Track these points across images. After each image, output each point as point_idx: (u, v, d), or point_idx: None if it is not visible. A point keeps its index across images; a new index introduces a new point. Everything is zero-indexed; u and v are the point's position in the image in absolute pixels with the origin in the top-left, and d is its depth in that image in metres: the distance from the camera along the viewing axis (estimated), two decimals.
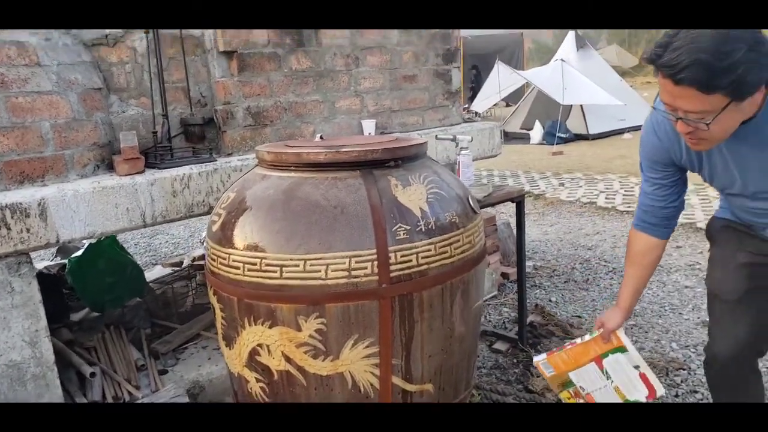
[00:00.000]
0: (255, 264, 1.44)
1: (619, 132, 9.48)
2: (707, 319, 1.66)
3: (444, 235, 1.49)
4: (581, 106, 9.32)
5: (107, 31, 2.10)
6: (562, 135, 9.15)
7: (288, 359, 1.46)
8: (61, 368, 2.19)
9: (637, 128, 8.82)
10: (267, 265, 1.42)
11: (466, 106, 11.67)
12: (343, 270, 1.39)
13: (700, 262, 3.58)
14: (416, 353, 1.49)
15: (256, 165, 1.67)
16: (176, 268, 3.32)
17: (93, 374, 2.02)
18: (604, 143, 9.02)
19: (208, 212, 2.02)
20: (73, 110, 1.94)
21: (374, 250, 1.39)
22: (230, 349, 1.59)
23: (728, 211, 1.53)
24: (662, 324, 2.78)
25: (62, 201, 1.79)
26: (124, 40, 2.12)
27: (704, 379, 1.85)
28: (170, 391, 2.02)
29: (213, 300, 1.61)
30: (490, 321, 2.94)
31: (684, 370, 2.35)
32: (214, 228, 1.57)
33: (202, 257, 2.53)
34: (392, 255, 1.41)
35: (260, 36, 2.28)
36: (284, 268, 1.41)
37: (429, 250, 1.45)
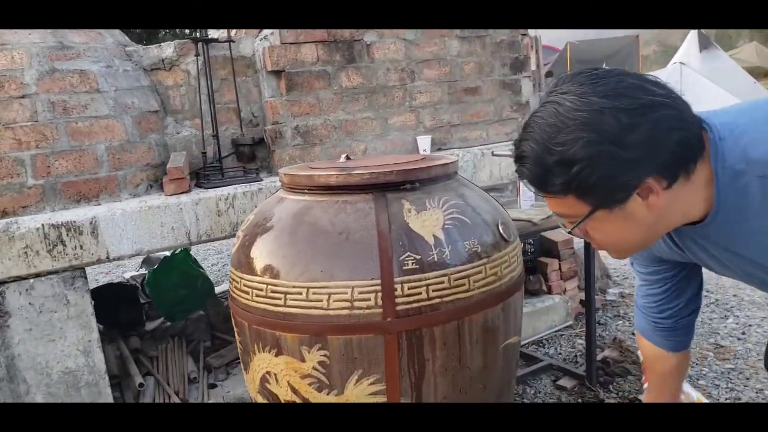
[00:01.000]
0: (262, 290, 1.40)
1: None
2: None
3: (461, 266, 1.36)
4: None
5: (164, 55, 2.19)
6: None
7: (294, 390, 1.40)
8: (123, 376, 2.32)
9: None
10: (272, 291, 1.38)
11: None
12: (345, 300, 1.31)
13: None
14: (428, 394, 1.37)
15: (280, 188, 1.65)
16: None
17: (141, 385, 2.10)
18: None
19: None
20: (127, 132, 2.04)
21: (378, 281, 1.30)
22: (246, 373, 1.57)
23: None
24: None
25: (111, 220, 1.89)
26: (179, 64, 2.21)
27: None
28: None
29: (233, 323, 1.60)
30: (560, 354, 2.71)
31: None
32: (233, 250, 1.56)
33: None
34: (398, 286, 1.31)
35: (309, 54, 2.27)
36: (288, 296, 1.36)
37: (441, 283, 1.34)
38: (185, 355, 2.49)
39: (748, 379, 2.35)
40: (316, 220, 1.40)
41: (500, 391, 1.53)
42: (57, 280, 1.84)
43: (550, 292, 2.95)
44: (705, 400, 1.41)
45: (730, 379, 2.34)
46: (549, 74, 14.30)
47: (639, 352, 1.34)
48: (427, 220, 1.38)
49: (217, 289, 3.33)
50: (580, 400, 2.26)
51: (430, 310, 1.33)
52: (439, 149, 2.62)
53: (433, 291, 1.33)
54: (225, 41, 2.19)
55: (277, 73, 2.25)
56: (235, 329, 1.57)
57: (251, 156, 2.30)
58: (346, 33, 2.35)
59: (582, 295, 3.18)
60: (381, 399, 1.35)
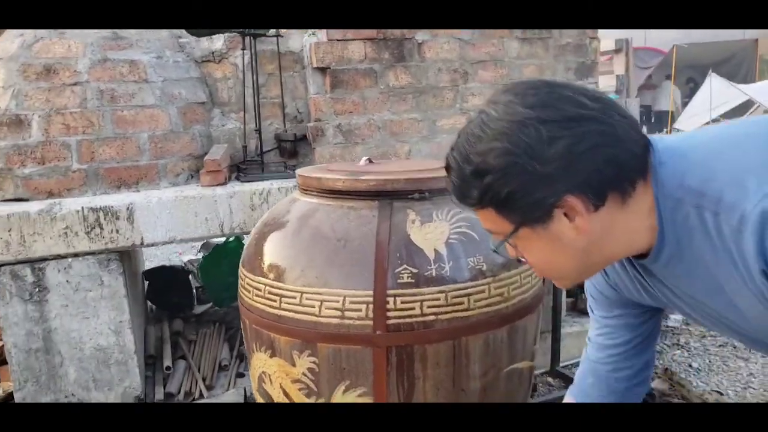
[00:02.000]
0: (261, 290, 1.39)
1: None
2: None
3: (462, 283, 1.28)
4: None
5: (214, 47, 2.24)
6: None
7: (285, 393, 1.38)
8: (158, 356, 2.41)
9: None
10: (269, 293, 1.36)
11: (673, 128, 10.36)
12: (336, 309, 1.27)
13: None
14: None
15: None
16: None
17: (168, 368, 2.17)
18: None
19: None
20: (171, 122, 2.10)
21: (371, 292, 1.25)
22: (249, 371, 1.57)
23: None
24: None
25: (147, 207, 1.95)
26: (228, 57, 2.25)
27: None
28: (231, 395, 2.09)
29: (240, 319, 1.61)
30: None
31: None
32: (245, 247, 1.56)
33: None
34: (391, 300, 1.25)
35: (356, 51, 2.24)
36: (283, 299, 1.33)
37: (437, 300, 1.26)
38: (222, 342, 2.55)
39: None
40: (318, 224, 1.37)
41: None
42: (93, 261, 1.93)
43: None
44: None
45: None
46: (649, 78, 13.44)
47: None
48: (430, 232, 1.31)
49: None
50: None
51: (423, 327, 1.26)
52: None
53: (428, 307, 1.26)
54: (273, 36, 2.20)
55: (322, 70, 2.24)
56: (242, 325, 1.58)
57: (293, 152, 2.30)
58: (397, 31, 2.29)
59: None
60: None
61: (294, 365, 1.34)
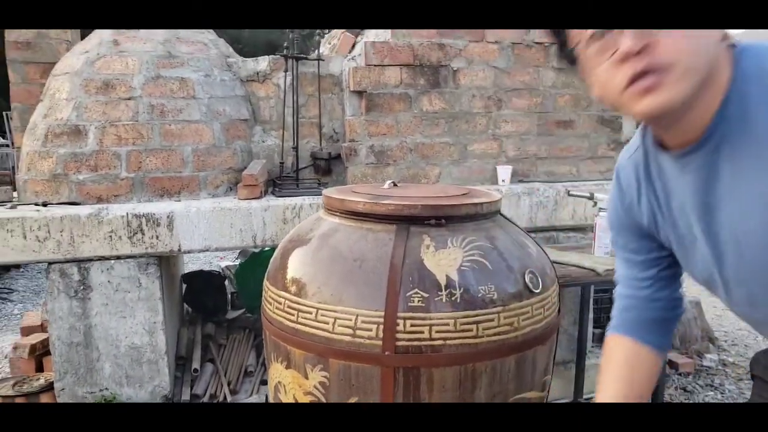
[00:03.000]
0: (281, 304, 1.46)
1: None
2: None
3: (471, 311, 1.32)
4: None
5: (259, 68, 2.36)
6: None
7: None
8: (188, 358, 2.52)
9: None
10: (288, 307, 1.44)
11: None
12: (348, 327, 1.33)
13: None
14: None
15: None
16: None
17: (196, 370, 2.27)
18: None
19: None
20: (214, 137, 2.22)
21: (382, 313, 1.30)
22: (269, 381, 1.64)
23: None
24: None
25: (186, 216, 2.07)
26: (271, 77, 2.36)
27: None
28: (253, 401, 2.17)
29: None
30: None
31: None
32: (271, 261, 1.64)
33: None
34: (401, 322, 1.30)
35: (392, 76, 2.32)
36: (300, 314, 1.40)
37: (446, 325, 1.30)
38: (250, 348, 2.64)
39: None
40: (337, 244, 1.44)
41: None
42: (133, 264, 2.06)
43: None
44: None
45: None
46: None
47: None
48: (443, 258, 1.35)
49: None
50: None
51: (431, 351, 1.30)
52: (521, 181, 2.53)
53: (436, 332, 1.30)
54: (314, 59, 2.30)
55: (359, 93, 2.33)
56: (263, 336, 1.66)
57: (327, 170, 2.39)
58: (433, 58, 2.36)
59: (674, 356, 2.88)
60: None
61: (307, 378, 1.40)
